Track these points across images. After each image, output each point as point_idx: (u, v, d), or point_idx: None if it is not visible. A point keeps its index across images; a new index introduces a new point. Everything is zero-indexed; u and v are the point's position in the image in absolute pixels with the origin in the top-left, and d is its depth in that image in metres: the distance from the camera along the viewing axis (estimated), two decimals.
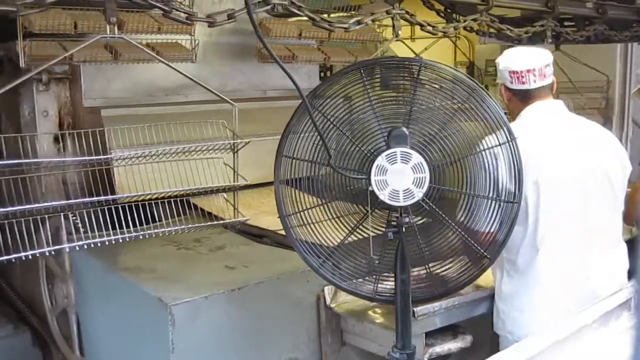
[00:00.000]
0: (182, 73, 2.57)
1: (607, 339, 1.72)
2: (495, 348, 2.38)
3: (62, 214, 2.45)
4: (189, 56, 3.13)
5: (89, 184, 2.69)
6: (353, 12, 3.69)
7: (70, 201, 2.56)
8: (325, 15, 2.80)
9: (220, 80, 3.63)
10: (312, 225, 1.96)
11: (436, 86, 1.90)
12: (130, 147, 2.55)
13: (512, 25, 3.79)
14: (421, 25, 3.39)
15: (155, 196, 2.63)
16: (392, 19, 3.13)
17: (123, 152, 2.53)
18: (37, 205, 2.38)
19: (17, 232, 2.33)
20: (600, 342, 1.71)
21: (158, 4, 2.31)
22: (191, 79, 2.57)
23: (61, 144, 3.05)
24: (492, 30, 3.80)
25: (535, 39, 4.03)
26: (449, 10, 3.49)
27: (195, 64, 3.50)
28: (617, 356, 1.62)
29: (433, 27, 3.45)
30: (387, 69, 1.98)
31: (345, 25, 2.92)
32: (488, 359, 1.59)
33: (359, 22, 2.96)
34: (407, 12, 3.14)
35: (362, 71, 1.89)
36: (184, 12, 2.39)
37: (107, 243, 2.41)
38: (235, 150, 2.62)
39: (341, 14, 3.74)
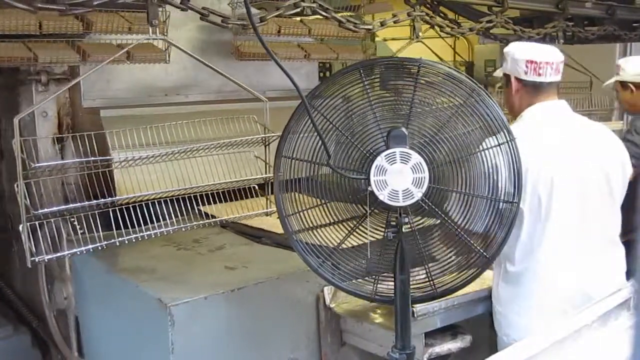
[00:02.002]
0: (221, 73, 2.65)
1: (607, 339, 1.72)
2: (495, 348, 2.38)
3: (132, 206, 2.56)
4: (162, 57, 3.01)
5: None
6: (352, 13, 3.69)
7: (146, 193, 2.63)
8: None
9: (219, 81, 3.62)
10: (311, 225, 1.96)
11: (435, 86, 1.90)
12: (155, 145, 2.63)
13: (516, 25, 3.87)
14: (441, 27, 3.51)
15: (183, 193, 2.74)
16: (413, 20, 3.22)
17: (159, 150, 2.61)
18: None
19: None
20: (600, 342, 1.70)
21: (195, 8, 2.42)
22: (229, 79, 2.66)
23: (74, 143, 3.07)
24: (507, 31, 3.89)
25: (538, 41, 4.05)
26: (435, 3, 3.53)
27: (193, 64, 3.50)
28: (616, 356, 1.62)
29: (451, 28, 3.55)
30: (386, 69, 1.98)
31: (369, 27, 3.14)
32: (487, 359, 1.59)
33: (382, 24, 3.11)
34: (427, 15, 3.27)
35: (361, 71, 1.89)
36: (220, 16, 2.55)
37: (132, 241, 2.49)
38: (267, 144, 2.69)
39: (344, 14, 3.74)
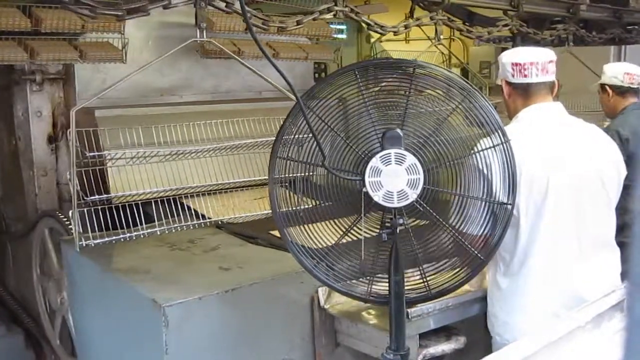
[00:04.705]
0: (258, 74, 2.78)
1: (600, 341, 1.73)
2: (489, 350, 2.38)
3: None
4: (118, 56, 2.94)
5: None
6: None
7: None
8: None
9: (215, 81, 3.62)
10: (306, 226, 1.96)
11: (430, 88, 1.90)
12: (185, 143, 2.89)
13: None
14: (460, 30, 3.67)
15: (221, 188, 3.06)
16: (435, 24, 3.35)
17: (195, 147, 2.87)
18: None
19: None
20: (593, 344, 1.71)
21: (238, 11, 2.48)
22: (267, 80, 2.80)
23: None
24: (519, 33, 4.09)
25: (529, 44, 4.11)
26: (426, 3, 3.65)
27: (189, 64, 3.48)
28: (609, 358, 1.63)
29: (469, 31, 3.68)
30: (381, 70, 1.98)
31: (394, 29, 3.29)
32: None
33: (405, 27, 3.32)
34: (448, 18, 3.42)
35: (356, 72, 1.89)
36: (260, 18, 2.69)
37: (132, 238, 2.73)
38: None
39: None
